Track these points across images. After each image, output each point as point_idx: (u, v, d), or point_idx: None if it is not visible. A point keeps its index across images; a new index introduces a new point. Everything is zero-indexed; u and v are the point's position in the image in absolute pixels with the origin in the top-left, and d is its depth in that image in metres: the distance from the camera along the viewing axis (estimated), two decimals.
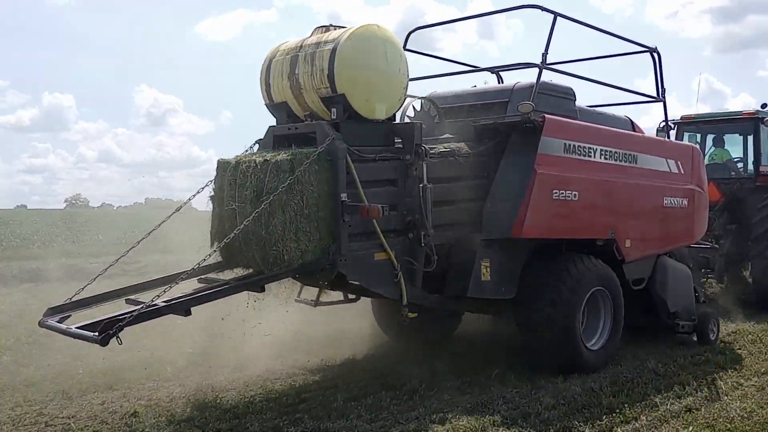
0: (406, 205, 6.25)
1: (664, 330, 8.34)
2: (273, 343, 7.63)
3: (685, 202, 8.28)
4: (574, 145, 6.85)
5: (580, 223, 6.95)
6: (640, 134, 7.96)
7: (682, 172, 8.30)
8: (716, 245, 10.61)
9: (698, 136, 12.75)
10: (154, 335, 7.45)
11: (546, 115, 6.63)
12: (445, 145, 6.74)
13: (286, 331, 7.99)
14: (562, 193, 6.68)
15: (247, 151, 6.42)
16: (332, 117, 5.99)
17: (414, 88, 8.00)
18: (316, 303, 7.08)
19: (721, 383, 6.58)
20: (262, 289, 5.67)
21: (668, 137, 8.44)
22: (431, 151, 6.45)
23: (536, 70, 6.83)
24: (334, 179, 5.74)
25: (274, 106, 6.47)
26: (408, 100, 7.23)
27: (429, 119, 7.31)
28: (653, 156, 7.89)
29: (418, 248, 6.23)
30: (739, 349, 8.14)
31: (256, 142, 6.51)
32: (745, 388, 6.49)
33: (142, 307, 4.93)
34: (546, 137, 6.58)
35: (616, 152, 7.33)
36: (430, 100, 7.37)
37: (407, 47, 7.88)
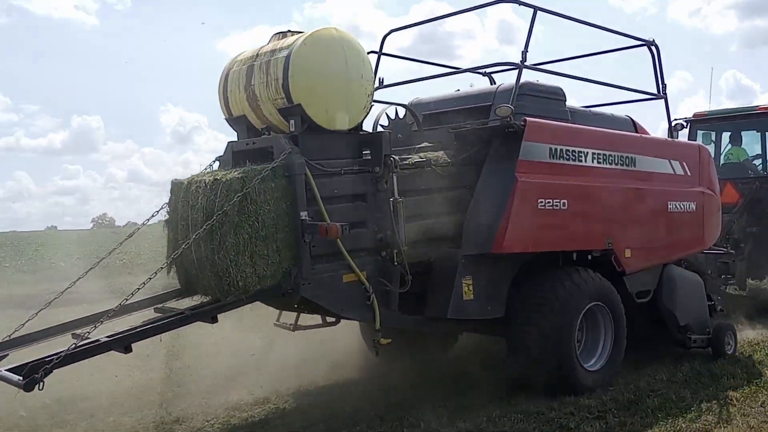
0: (378, 222, 5.78)
1: (676, 345, 7.71)
2: (249, 367, 7.21)
3: (693, 205, 7.67)
4: (561, 150, 6.31)
5: (571, 233, 6.39)
6: (639, 135, 7.38)
7: (689, 173, 7.70)
8: (732, 250, 9.93)
9: (713, 134, 12.07)
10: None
11: (527, 118, 6.11)
12: (421, 154, 6.25)
13: (264, 353, 7.59)
14: (549, 202, 6.14)
15: (206, 169, 5.99)
16: (291, 129, 5.54)
17: (401, 94, 7.56)
18: (295, 327, 6.62)
19: None
20: (214, 320, 5.22)
21: (671, 136, 7.81)
22: (404, 162, 5.99)
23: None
24: (293, 196, 5.30)
25: (233, 120, 6.05)
26: (381, 107, 6.77)
27: (406, 127, 6.83)
28: (654, 157, 7.31)
29: (392, 267, 5.75)
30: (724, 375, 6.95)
31: (216, 159, 6.09)
32: None
33: (72, 346, 4.49)
34: (528, 142, 6.05)
35: (610, 155, 6.77)
36: (406, 107, 6.89)
37: (383, 51, 7.44)
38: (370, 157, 5.80)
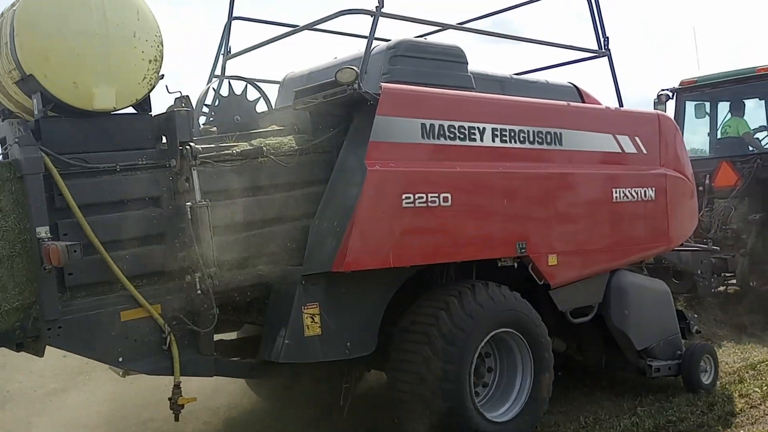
0: (181, 235, 4.21)
1: (636, 372, 5.99)
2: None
3: (652, 192, 5.92)
4: (441, 126, 4.64)
5: (458, 239, 4.69)
6: (567, 103, 5.61)
7: (644, 151, 5.95)
8: (715, 246, 8.10)
9: (707, 105, 10.17)
10: None
11: (383, 84, 4.48)
12: (255, 141, 4.66)
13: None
14: (422, 198, 4.47)
15: None
16: (35, 111, 4.00)
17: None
18: (125, 372, 5.09)
19: None
20: None
21: (621, 104, 6.06)
22: (222, 152, 4.42)
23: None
24: (27, 206, 3.77)
25: None
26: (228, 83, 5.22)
27: (248, 107, 5.24)
28: (592, 132, 5.58)
29: (197, 297, 4.18)
30: None
31: None
32: None
33: None
34: (385, 117, 4.42)
35: (522, 131, 5.07)
36: (248, 81, 5.29)
37: (235, 15, 5.84)
38: (166, 148, 4.27)
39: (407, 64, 4.95)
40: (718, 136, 9.97)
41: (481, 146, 4.84)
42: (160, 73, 4.20)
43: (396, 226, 4.38)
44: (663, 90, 9.85)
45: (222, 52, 5.78)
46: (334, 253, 4.25)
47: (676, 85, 9.89)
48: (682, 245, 6.80)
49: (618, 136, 5.74)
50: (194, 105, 5.01)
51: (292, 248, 4.61)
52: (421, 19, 4.99)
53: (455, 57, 5.22)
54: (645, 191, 5.86)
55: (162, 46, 4.18)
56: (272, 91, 6.09)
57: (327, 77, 5.34)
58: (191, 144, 4.15)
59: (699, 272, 8.09)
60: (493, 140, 4.91)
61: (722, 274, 9.01)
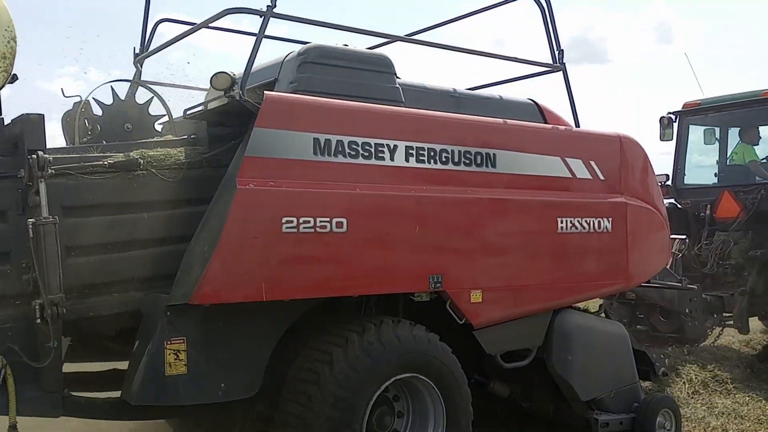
0: (26, 255, 3.75)
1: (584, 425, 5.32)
2: None
3: (608, 223, 5.26)
4: (339, 142, 4.10)
5: (353, 270, 4.13)
6: (503, 121, 4.97)
7: (600, 177, 5.30)
8: (692, 285, 7.31)
9: (716, 130, 9.37)
10: None
11: (266, 93, 3.97)
12: (133, 152, 4.18)
13: None
14: (307, 223, 3.92)
15: None
16: None
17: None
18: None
19: None
20: None
21: (575, 124, 5.42)
22: (87, 162, 3.96)
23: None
24: None
25: None
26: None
27: (143, 114, 4.79)
28: (534, 154, 4.97)
29: (39, 327, 3.70)
30: None
31: None
32: None
33: None
34: (266, 129, 3.90)
35: (444, 151, 4.50)
36: (145, 86, 4.84)
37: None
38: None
39: (318, 72, 4.42)
40: (727, 163, 9.19)
41: (390, 166, 4.28)
42: (12, 73, 3.76)
43: (273, 253, 3.84)
44: (668, 113, 9.18)
45: (136, 53, 5.35)
46: (196, 281, 3.73)
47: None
48: (650, 281, 6.07)
49: (568, 159, 5.12)
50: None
51: (167, 274, 4.11)
52: (334, 24, 4.45)
53: (379, 66, 4.68)
54: (599, 221, 5.21)
55: (14, 42, 3.76)
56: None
57: (253, 82, 4.89)
58: (39, 152, 3.70)
59: (687, 311, 7.37)
60: (407, 160, 4.34)
61: (722, 313, 8.25)
